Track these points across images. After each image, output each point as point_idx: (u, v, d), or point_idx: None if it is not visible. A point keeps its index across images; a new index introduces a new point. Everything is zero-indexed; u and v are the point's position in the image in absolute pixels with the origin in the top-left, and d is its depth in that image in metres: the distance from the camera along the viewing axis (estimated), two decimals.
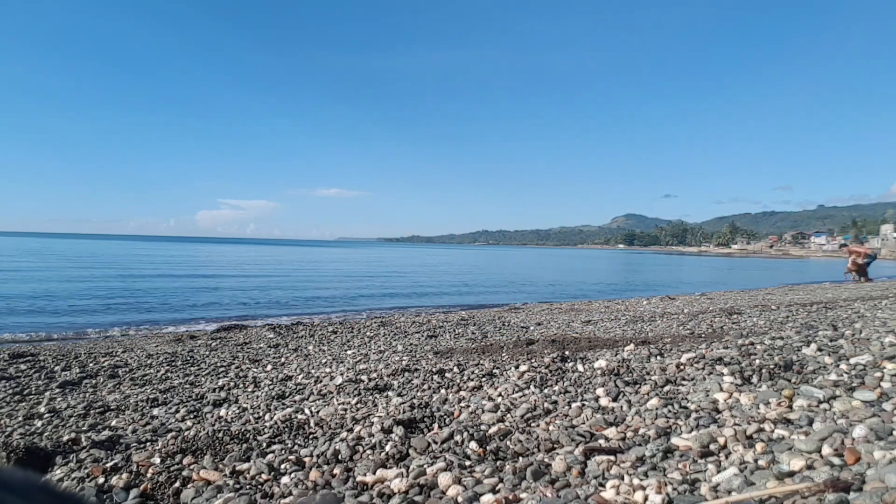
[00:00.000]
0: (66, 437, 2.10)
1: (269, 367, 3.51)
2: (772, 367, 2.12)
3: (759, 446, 1.43)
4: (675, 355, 2.69)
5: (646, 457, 1.46)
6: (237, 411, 2.44)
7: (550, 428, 1.81)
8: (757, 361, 2.23)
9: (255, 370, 3.44)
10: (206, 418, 2.38)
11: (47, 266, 18.78)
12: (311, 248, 78.37)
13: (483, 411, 2.07)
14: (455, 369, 2.96)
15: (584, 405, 2.02)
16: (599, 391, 2.16)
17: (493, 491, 1.36)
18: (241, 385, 3.02)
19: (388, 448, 1.74)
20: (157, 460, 1.78)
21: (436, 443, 1.75)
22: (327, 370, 3.28)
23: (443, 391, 2.50)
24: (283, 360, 3.80)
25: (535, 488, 1.36)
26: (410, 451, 1.73)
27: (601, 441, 1.63)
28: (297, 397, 2.64)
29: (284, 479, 1.58)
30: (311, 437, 1.96)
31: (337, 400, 2.49)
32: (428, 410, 2.14)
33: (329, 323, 6.07)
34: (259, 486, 1.55)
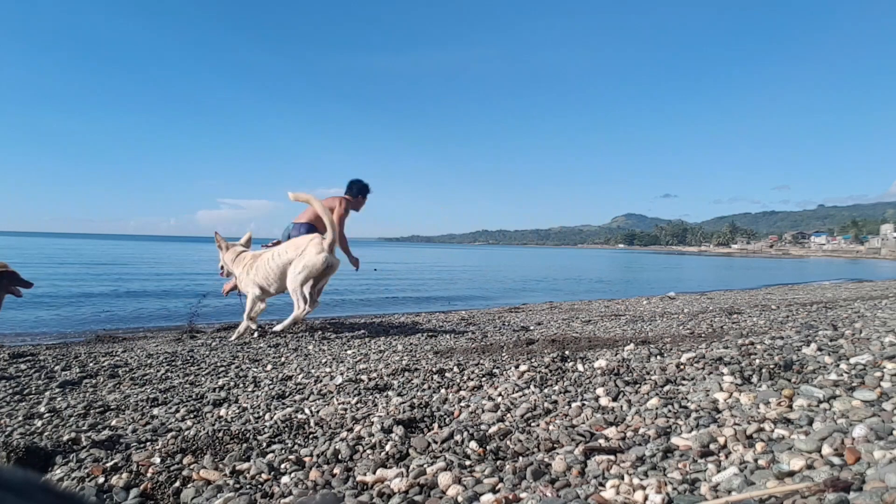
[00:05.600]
0: (66, 437, 2.10)
1: (269, 367, 3.51)
2: (772, 366, 2.12)
3: (759, 446, 1.43)
4: (675, 355, 2.69)
5: (646, 456, 1.46)
6: (237, 411, 2.44)
7: (550, 427, 1.81)
8: (757, 361, 2.22)
9: (255, 370, 3.44)
10: (206, 418, 2.37)
11: (47, 265, 18.78)
12: None
13: (483, 411, 2.07)
14: (455, 369, 2.96)
15: (584, 405, 2.02)
16: (599, 391, 2.16)
17: (493, 490, 1.36)
18: (241, 385, 3.02)
19: (388, 448, 1.74)
20: (157, 460, 1.78)
21: (436, 442, 1.75)
22: (327, 370, 3.28)
23: (443, 391, 2.50)
24: (283, 359, 3.80)
25: (535, 488, 1.36)
26: (410, 450, 1.73)
27: (601, 441, 1.63)
28: (297, 397, 2.64)
29: (284, 479, 1.58)
30: (311, 436, 1.96)
31: (337, 399, 2.49)
32: (428, 410, 2.14)
33: (329, 322, 6.07)
34: (259, 486, 1.55)
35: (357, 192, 6.01)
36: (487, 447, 1.68)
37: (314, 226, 5.91)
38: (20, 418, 2.49)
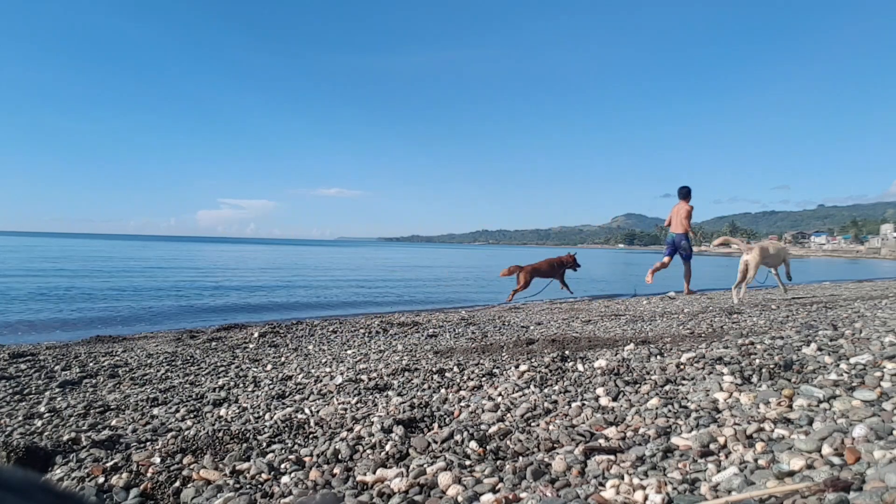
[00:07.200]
0: (66, 437, 2.10)
1: (269, 367, 3.52)
2: (772, 366, 2.12)
3: (759, 446, 1.43)
4: (675, 355, 2.69)
5: (646, 456, 1.46)
6: (237, 411, 2.44)
7: (550, 427, 1.81)
8: (757, 361, 2.23)
9: (255, 370, 3.45)
10: (206, 418, 2.38)
11: (48, 265, 18.78)
12: (311, 247, 78.45)
13: (483, 411, 2.07)
14: (455, 369, 2.96)
15: (584, 405, 2.02)
16: (599, 391, 2.16)
17: (493, 490, 1.36)
18: (241, 385, 3.02)
19: (388, 447, 1.74)
20: (157, 460, 1.78)
21: (436, 442, 1.75)
22: (327, 370, 3.28)
23: (443, 391, 2.50)
24: (283, 359, 3.80)
25: (534, 488, 1.36)
26: (410, 450, 1.73)
27: (601, 440, 1.63)
28: (297, 397, 2.65)
29: (284, 479, 1.58)
30: (311, 436, 1.96)
31: (337, 399, 2.49)
32: (428, 410, 2.14)
33: (329, 322, 6.07)
34: (259, 486, 1.56)
35: (686, 195, 9.23)
36: (487, 447, 1.68)
37: (687, 234, 9.18)
38: (20, 418, 2.49)
